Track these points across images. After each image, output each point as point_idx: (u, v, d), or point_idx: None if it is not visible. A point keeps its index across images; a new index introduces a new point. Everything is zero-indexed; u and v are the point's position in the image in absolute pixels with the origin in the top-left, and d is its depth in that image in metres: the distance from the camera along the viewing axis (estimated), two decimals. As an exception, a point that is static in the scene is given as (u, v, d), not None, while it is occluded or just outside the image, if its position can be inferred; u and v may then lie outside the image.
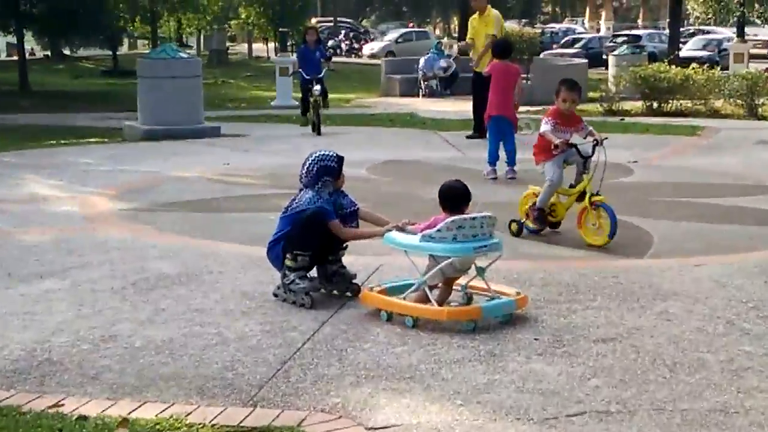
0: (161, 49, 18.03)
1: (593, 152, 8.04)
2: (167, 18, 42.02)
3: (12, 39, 38.20)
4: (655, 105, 20.58)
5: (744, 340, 5.50)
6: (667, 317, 5.91)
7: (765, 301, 6.24)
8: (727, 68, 27.26)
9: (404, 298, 5.91)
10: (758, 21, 34.25)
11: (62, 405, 4.64)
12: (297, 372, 5.03)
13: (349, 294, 6.33)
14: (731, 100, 20.24)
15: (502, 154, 11.56)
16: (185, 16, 41.94)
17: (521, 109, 13.24)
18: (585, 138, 8.18)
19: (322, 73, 16.86)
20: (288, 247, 6.21)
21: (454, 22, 58.32)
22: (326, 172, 6.26)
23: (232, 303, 6.24)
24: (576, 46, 45.76)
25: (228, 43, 53.90)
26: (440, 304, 5.85)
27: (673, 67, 21.36)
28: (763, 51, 42.08)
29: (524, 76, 21.05)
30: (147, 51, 31.66)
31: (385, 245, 6.13)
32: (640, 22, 69.85)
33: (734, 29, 36.17)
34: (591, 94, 23.24)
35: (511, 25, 40.16)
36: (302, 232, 6.13)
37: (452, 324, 5.69)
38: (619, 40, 42.72)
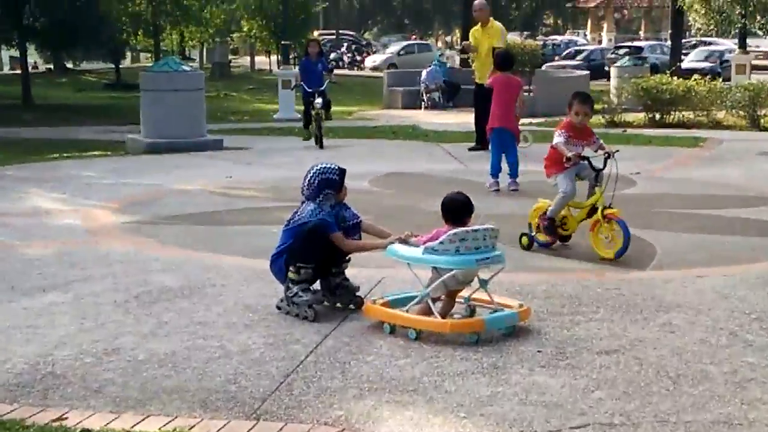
0: (164, 62, 18.08)
1: (605, 165, 8.01)
2: (170, 31, 42.04)
3: (15, 53, 38.41)
4: (657, 116, 20.56)
5: (747, 351, 5.48)
6: (670, 329, 5.90)
7: (768, 312, 6.24)
8: (729, 80, 27.20)
9: (407, 311, 5.89)
10: (760, 32, 34.20)
11: (66, 418, 4.63)
12: (300, 385, 5.02)
13: (352, 306, 6.32)
14: (733, 111, 20.19)
15: (505, 166, 11.55)
16: (188, 29, 41.94)
17: (522, 121, 13.22)
18: (596, 151, 8.17)
19: (324, 86, 16.77)
20: (291, 259, 6.21)
21: (456, 34, 58.37)
22: (328, 185, 6.26)
23: (235, 316, 6.24)
24: (578, 58, 45.70)
25: (230, 56, 54.06)
26: (443, 316, 5.84)
27: (675, 78, 21.36)
28: (765, 62, 42.13)
29: (526, 88, 21.06)
30: (150, 64, 31.75)
31: (388, 258, 6.12)
32: (641, 33, 69.83)
33: (736, 40, 36.15)
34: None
35: (513, 37, 40.15)
36: (304, 245, 6.13)
37: (455, 336, 5.67)
38: (621, 51, 42.66)
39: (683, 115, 20.51)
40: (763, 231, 9.15)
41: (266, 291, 6.67)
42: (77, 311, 6.39)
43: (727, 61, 36.02)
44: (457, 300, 6.02)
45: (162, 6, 37.67)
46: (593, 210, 8.00)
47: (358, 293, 6.38)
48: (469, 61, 17.70)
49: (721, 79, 24.58)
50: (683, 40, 42.50)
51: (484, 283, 5.90)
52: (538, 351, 5.50)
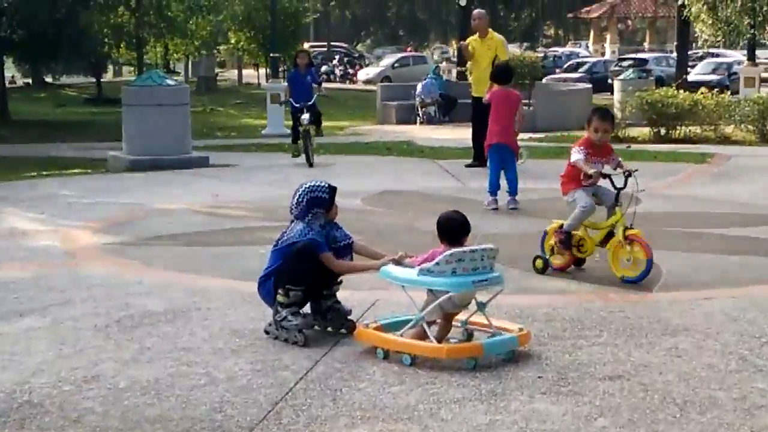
0: (147, 75, 18.02)
1: (626, 184, 7.86)
2: (153, 44, 42.14)
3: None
4: (662, 131, 20.47)
5: (757, 377, 5.39)
6: (676, 353, 5.80)
7: (778, 335, 6.16)
8: (737, 92, 27.21)
9: (401, 335, 5.79)
10: (769, 43, 34.34)
11: (42, 450, 4.51)
12: (289, 413, 4.92)
13: (343, 331, 6.20)
14: (742, 125, 20.15)
15: (504, 183, 11.41)
16: (172, 42, 42.05)
17: (521, 136, 13.11)
18: (614, 169, 8.02)
19: (313, 100, 16.42)
20: (279, 282, 6.09)
21: (453, 46, 58.50)
22: (317, 204, 6.15)
23: (221, 341, 6.13)
24: (580, 70, 45.44)
25: (217, 70, 54.11)
26: (439, 340, 5.74)
27: (682, 91, 21.27)
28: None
29: (526, 102, 20.98)
30: (132, 78, 31.68)
31: (382, 279, 6.03)
32: (646, 45, 69.22)
33: (744, 52, 36.17)
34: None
35: (513, 49, 40.18)
36: (293, 266, 6.02)
37: (452, 362, 5.58)
38: (625, 63, 42.52)
39: (690, 130, 20.46)
40: (772, 251, 9.05)
41: (254, 315, 6.57)
42: (56, 336, 6.28)
43: (735, 73, 35.92)
44: (453, 324, 5.93)
45: (145, 17, 37.72)
46: (611, 234, 7.82)
47: (350, 317, 6.26)
48: (467, 73, 17.58)
49: (729, 93, 24.61)
50: (690, 52, 42.50)
51: (482, 306, 5.80)
52: (539, 377, 5.40)
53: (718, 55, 47.54)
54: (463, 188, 13.41)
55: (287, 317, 6.03)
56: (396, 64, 53.09)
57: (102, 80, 42.44)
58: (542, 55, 48.36)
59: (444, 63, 43.04)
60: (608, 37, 69.96)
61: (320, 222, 6.16)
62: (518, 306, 6.78)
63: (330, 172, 14.41)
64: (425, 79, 28.57)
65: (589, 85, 29.23)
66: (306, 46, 50.75)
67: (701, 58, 47.16)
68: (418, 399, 5.08)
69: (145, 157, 15.85)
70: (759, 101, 19.99)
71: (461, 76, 32.22)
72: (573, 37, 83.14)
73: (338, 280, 6.25)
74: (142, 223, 10.77)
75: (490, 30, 15.55)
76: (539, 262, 8.07)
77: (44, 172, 16.21)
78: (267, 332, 6.17)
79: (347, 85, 51.84)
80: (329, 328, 6.25)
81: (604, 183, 7.98)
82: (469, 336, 5.88)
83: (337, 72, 56.46)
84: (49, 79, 50.27)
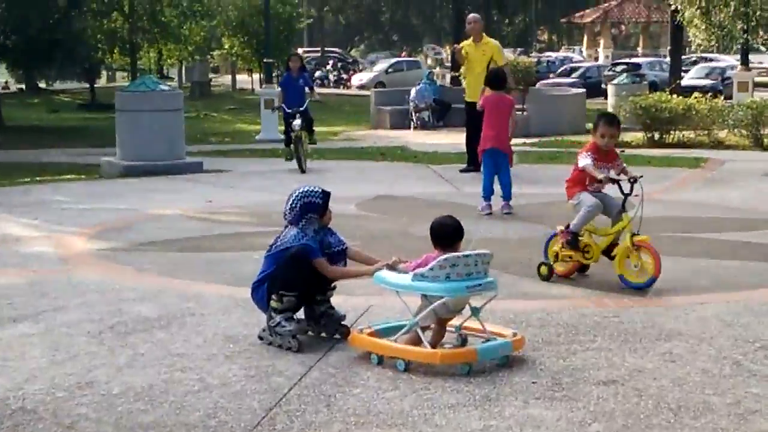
0: (141, 81, 17.92)
1: (632, 190, 7.85)
2: (147, 49, 42.06)
3: (-16, 72, 38.25)
4: (656, 136, 20.46)
5: (751, 381, 5.38)
6: (671, 358, 5.79)
7: (773, 340, 6.14)
8: (730, 97, 27.19)
9: (395, 341, 5.77)
10: (763, 48, 34.33)
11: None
12: (283, 419, 4.90)
13: (337, 336, 6.18)
14: (736, 130, 20.10)
15: (498, 188, 11.40)
16: (166, 47, 41.95)
17: (515, 141, 13.12)
18: (619, 175, 8.01)
19: (305, 105, 16.32)
20: (273, 287, 6.07)
21: (447, 51, 58.48)
22: (310, 209, 6.12)
23: (214, 347, 6.10)
24: (573, 75, 45.25)
25: (211, 75, 54.02)
26: (433, 346, 5.71)
27: (675, 96, 21.27)
28: (768, 79, 42.28)
29: (519, 107, 20.94)
30: (126, 83, 31.62)
31: (375, 285, 6.00)
32: (639, 50, 69.04)
33: (738, 57, 36.10)
34: (589, 126, 23.18)
35: (506, 54, 40.20)
36: (287, 271, 6.00)
37: (446, 367, 5.56)
38: (619, 68, 42.28)
39: (683, 135, 20.45)
40: (766, 255, 9.01)
41: (248, 320, 6.55)
42: (49, 343, 6.25)
43: (728, 78, 35.78)
44: (447, 329, 5.89)
45: (139, 23, 37.64)
46: (615, 243, 7.80)
47: (344, 322, 6.23)
48: (460, 78, 17.52)
49: (722, 97, 24.58)
50: (683, 57, 42.39)
51: (476, 311, 5.77)
52: (533, 382, 5.39)
53: (711, 60, 47.53)
54: (457, 193, 13.39)
55: (281, 323, 6.01)
56: (390, 69, 52.79)
57: (95, 86, 42.32)
58: (536, 60, 48.20)
59: (438, 68, 43.00)
60: (602, 41, 69.85)
61: (314, 227, 6.13)
62: (512, 311, 6.75)
63: (324, 178, 14.38)
64: (419, 84, 28.51)
65: (583, 90, 29.18)
66: (300, 51, 50.68)
67: (695, 63, 47.20)
68: (413, 404, 5.06)
69: (138, 163, 15.79)
70: (752, 106, 19.92)
71: (455, 81, 32.18)
72: (567, 42, 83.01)
73: (332, 285, 6.22)
74: (135, 228, 10.72)
75: (484, 35, 15.51)
76: (543, 269, 8.02)
77: (37, 178, 16.16)
78: (261, 338, 6.15)
79: (341, 91, 51.73)
80: (323, 334, 6.23)
81: (610, 189, 7.97)
82: (463, 341, 5.84)
83: (331, 77, 56.35)
84: (42, 85, 50.18)
